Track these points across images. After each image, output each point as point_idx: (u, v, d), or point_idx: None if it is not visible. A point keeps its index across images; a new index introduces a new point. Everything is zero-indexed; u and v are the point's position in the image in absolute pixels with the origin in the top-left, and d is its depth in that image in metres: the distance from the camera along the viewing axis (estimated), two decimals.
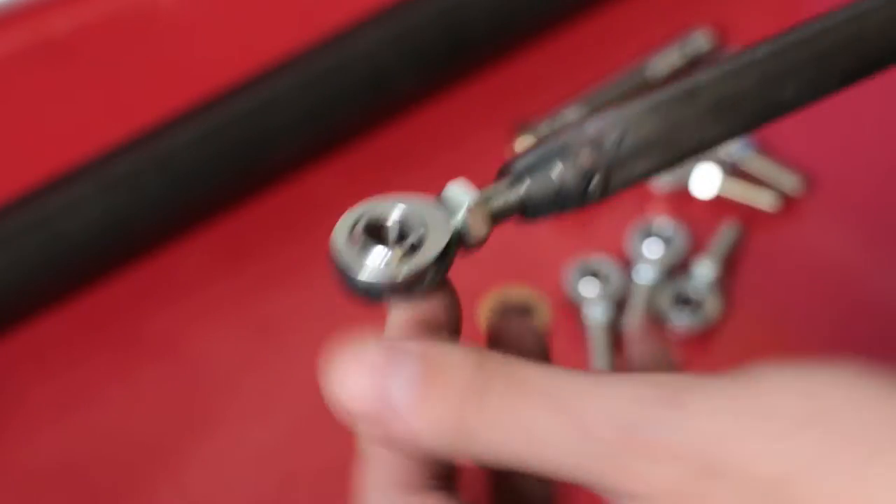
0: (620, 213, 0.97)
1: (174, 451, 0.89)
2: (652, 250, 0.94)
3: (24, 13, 1.06)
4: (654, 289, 0.93)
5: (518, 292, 0.93)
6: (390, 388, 0.44)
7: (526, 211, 0.48)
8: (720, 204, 0.97)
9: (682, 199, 0.98)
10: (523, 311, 0.92)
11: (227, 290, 0.95)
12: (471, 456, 0.44)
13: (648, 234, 0.95)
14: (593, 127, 0.48)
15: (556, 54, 1.04)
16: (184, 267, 0.96)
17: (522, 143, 0.98)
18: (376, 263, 0.45)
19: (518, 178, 0.48)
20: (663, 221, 0.95)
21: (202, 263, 0.96)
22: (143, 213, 0.94)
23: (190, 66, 1.03)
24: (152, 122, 0.96)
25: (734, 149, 0.98)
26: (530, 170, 0.47)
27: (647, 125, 0.47)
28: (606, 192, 0.48)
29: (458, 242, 0.47)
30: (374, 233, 0.47)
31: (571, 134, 0.48)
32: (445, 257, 0.46)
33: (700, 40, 1.03)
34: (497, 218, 0.48)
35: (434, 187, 1.02)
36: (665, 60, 1.02)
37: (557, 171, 0.47)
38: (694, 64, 1.02)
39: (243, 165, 0.97)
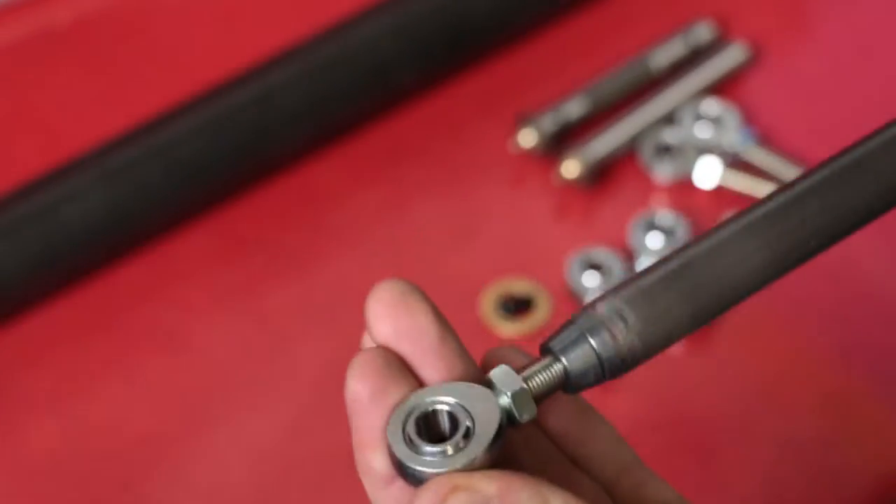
0: (622, 205, 0.97)
1: (174, 443, 0.89)
2: (654, 242, 0.94)
3: (25, 4, 1.06)
4: None
5: (520, 285, 0.93)
6: None
7: (568, 385, 0.50)
8: (722, 195, 0.97)
9: (683, 190, 0.98)
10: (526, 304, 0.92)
11: (227, 281, 0.95)
12: None
13: (650, 226, 0.95)
14: (623, 296, 0.50)
15: (558, 46, 1.04)
16: (184, 257, 0.96)
17: (524, 134, 0.98)
18: (433, 457, 0.48)
19: (557, 357, 0.50)
20: (665, 213, 0.95)
21: (203, 254, 0.96)
22: (144, 204, 0.94)
23: (191, 58, 1.03)
24: (154, 112, 0.96)
25: (736, 140, 0.98)
26: (568, 348, 0.50)
27: (675, 289, 0.50)
28: (645, 355, 0.50)
29: (510, 420, 0.49)
30: (427, 424, 0.49)
31: (601, 306, 0.50)
32: (497, 441, 0.48)
33: (702, 32, 1.03)
34: (541, 396, 0.50)
35: (435, 179, 1.02)
36: (667, 52, 1.02)
37: (595, 344, 0.49)
38: (696, 54, 1.02)
39: (244, 156, 0.97)
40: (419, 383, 0.50)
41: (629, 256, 0.94)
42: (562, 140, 0.99)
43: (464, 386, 0.50)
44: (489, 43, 1.03)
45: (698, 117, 1.00)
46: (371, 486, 0.50)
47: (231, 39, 1.04)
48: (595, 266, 0.93)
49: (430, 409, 0.49)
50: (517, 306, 0.93)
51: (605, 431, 0.55)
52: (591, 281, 0.92)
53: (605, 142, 0.98)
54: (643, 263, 0.93)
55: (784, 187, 0.52)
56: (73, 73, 1.04)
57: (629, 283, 0.50)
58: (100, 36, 1.06)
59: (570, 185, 0.97)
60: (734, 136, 0.98)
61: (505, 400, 0.49)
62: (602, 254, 0.93)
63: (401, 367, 0.50)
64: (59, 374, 0.92)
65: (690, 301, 0.50)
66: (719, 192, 0.97)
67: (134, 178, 0.93)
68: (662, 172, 0.98)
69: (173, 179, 0.94)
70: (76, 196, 0.92)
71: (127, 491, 0.87)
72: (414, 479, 0.48)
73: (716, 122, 0.99)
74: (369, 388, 0.49)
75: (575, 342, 0.50)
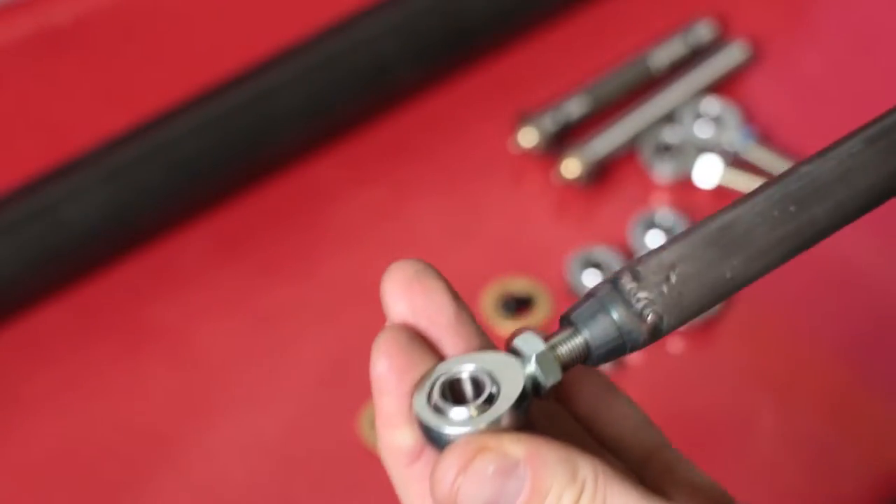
0: (622, 204, 0.97)
1: (175, 439, 0.89)
2: (654, 241, 0.94)
3: (27, 3, 1.06)
4: None
5: (520, 283, 0.93)
6: (504, 497, 0.47)
7: (590, 357, 0.50)
8: (722, 194, 0.97)
9: (684, 189, 0.98)
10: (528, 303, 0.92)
11: (228, 280, 0.95)
12: None
13: (650, 225, 0.95)
14: (644, 269, 0.49)
15: (558, 45, 1.04)
16: (185, 256, 0.96)
17: (524, 133, 0.98)
18: (458, 420, 0.48)
19: (578, 329, 0.49)
20: (665, 212, 0.95)
21: (204, 253, 0.96)
22: (145, 202, 0.94)
23: (192, 56, 1.03)
24: (154, 111, 0.96)
25: (736, 139, 0.98)
26: (588, 319, 0.49)
27: (696, 262, 0.49)
28: (664, 331, 0.50)
29: (534, 388, 0.49)
30: (452, 390, 0.49)
31: (622, 278, 0.49)
32: (522, 403, 0.48)
33: (702, 31, 1.03)
34: (565, 365, 0.49)
35: (435, 178, 1.02)
36: (667, 51, 1.02)
37: (616, 317, 0.49)
38: (696, 53, 1.02)
39: (245, 154, 0.97)
40: (442, 360, 0.50)
41: (629, 255, 0.94)
42: (562, 139, 0.99)
43: (488, 354, 0.49)
44: (489, 42, 1.03)
45: (698, 116, 1.00)
46: (395, 465, 0.50)
47: (231, 38, 1.04)
48: (595, 265, 0.93)
49: (456, 376, 0.49)
50: (517, 305, 0.93)
51: (632, 412, 0.54)
52: (591, 280, 0.92)
53: (606, 141, 0.98)
54: None
55: (805, 161, 0.52)
56: (74, 72, 1.04)
57: (650, 256, 0.50)
58: (101, 35, 1.06)
59: (571, 184, 0.97)
60: (734, 134, 0.98)
61: (529, 365, 0.49)
62: (602, 253, 0.93)
63: (424, 344, 0.50)
64: (61, 373, 0.92)
65: (710, 275, 0.49)
66: (719, 190, 0.97)
67: (134, 177, 0.93)
68: (662, 171, 0.98)
69: (174, 178, 0.94)
70: (77, 195, 0.92)
71: (128, 488, 0.87)
72: (440, 443, 0.47)
73: (716, 121, 1.00)
74: (395, 366, 0.49)
75: (596, 314, 0.49)
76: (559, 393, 0.53)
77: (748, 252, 0.50)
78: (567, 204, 0.98)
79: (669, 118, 1.00)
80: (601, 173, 0.98)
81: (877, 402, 0.88)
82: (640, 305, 0.49)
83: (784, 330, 0.92)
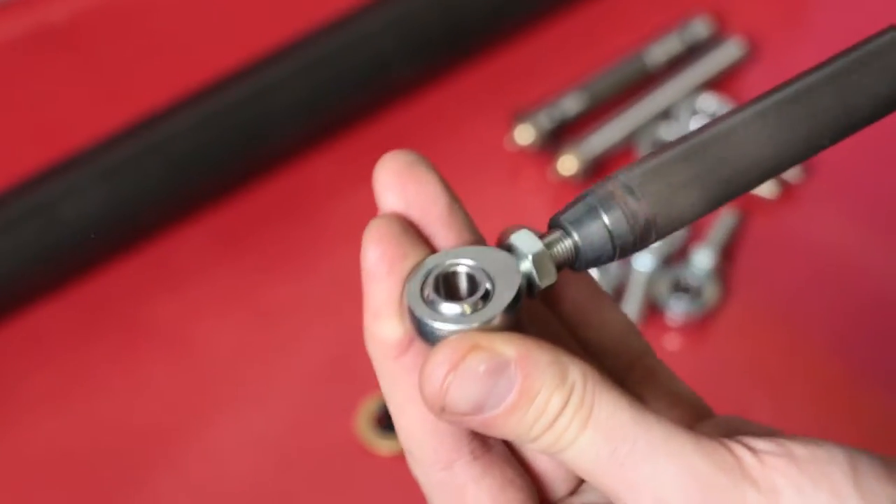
0: None
1: (174, 438, 0.89)
2: None
3: (22, 2, 1.06)
4: (653, 276, 0.93)
5: None
6: (494, 397, 0.46)
7: (578, 260, 0.49)
8: None
9: None
10: None
11: (227, 277, 0.95)
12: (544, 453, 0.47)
13: None
14: (636, 173, 0.49)
15: (554, 42, 1.05)
16: (184, 253, 0.96)
17: (521, 131, 0.98)
18: (451, 316, 0.46)
19: (568, 231, 0.48)
20: None
21: (202, 250, 0.96)
22: (142, 200, 0.94)
23: (189, 53, 1.03)
24: (152, 108, 0.96)
25: None
26: (579, 221, 0.48)
27: (689, 166, 0.49)
28: (657, 235, 0.49)
29: (528, 288, 0.48)
30: (446, 285, 0.48)
31: (614, 182, 0.49)
32: (516, 304, 0.47)
33: (699, 27, 1.03)
34: (559, 265, 0.49)
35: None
36: (664, 48, 1.02)
37: (607, 220, 0.48)
38: (692, 50, 1.02)
39: (243, 151, 0.97)
40: (434, 251, 0.49)
41: None
42: (558, 136, 0.99)
43: (483, 249, 0.48)
44: (485, 39, 1.03)
45: (695, 113, 1.00)
46: (381, 359, 0.49)
47: (227, 36, 1.04)
48: None
49: (450, 269, 0.48)
50: None
51: (619, 318, 0.54)
52: None
53: (602, 138, 0.98)
54: (640, 259, 0.93)
55: (798, 76, 0.51)
56: (70, 70, 1.04)
57: (642, 162, 0.49)
58: (97, 33, 1.06)
59: (567, 182, 0.98)
60: None
61: (525, 264, 0.48)
62: None
63: (416, 235, 0.49)
64: (60, 371, 0.92)
65: (703, 181, 0.48)
66: None
67: (132, 174, 0.93)
68: None
69: (172, 175, 0.94)
70: (75, 193, 0.93)
71: (126, 486, 0.87)
72: (432, 338, 0.46)
73: (713, 117, 1.00)
74: (387, 254, 0.48)
75: (586, 217, 0.48)
76: (546, 295, 0.52)
77: (741, 156, 0.49)
78: (564, 201, 0.97)
79: (666, 115, 1.00)
80: (598, 170, 0.98)
81: (872, 395, 0.89)
82: (630, 208, 0.48)
83: (779, 325, 0.92)
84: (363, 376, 0.90)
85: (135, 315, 0.94)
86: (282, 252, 0.96)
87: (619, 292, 0.92)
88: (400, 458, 0.86)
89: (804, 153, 0.51)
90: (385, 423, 0.87)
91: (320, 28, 1.00)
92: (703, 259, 0.93)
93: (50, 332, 0.93)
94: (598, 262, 0.49)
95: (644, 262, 0.93)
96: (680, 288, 0.92)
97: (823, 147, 0.51)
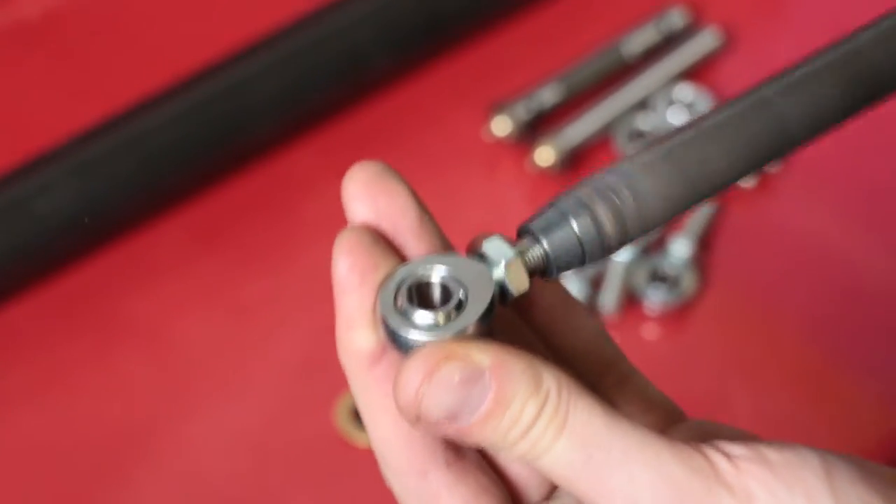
0: None
1: (152, 433, 0.89)
2: None
3: None
4: (631, 266, 0.93)
5: None
6: (468, 406, 0.46)
7: (549, 268, 0.49)
8: None
9: None
10: None
11: (203, 272, 0.95)
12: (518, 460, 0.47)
13: None
14: (606, 180, 0.49)
15: (531, 33, 1.04)
16: (160, 249, 0.96)
17: (498, 122, 0.98)
18: (424, 325, 0.47)
19: (538, 238, 0.48)
20: None
21: (178, 245, 0.96)
22: (118, 195, 0.94)
23: (163, 48, 1.03)
24: (126, 103, 0.96)
25: None
26: (548, 228, 0.48)
27: (658, 172, 0.48)
28: (626, 240, 0.49)
29: (501, 295, 0.48)
30: (419, 294, 0.48)
31: (584, 189, 0.49)
32: (489, 313, 0.47)
33: (675, 18, 1.03)
34: (531, 273, 0.49)
35: (410, 167, 1.02)
36: (640, 38, 1.02)
37: (576, 227, 0.48)
38: (669, 40, 1.02)
39: (218, 146, 0.96)
40: (405, 262, 0.49)
41: None
42: (535, 127, 0.99)
43: (455, 258, 0.48)
44: (462, 31, 1.03)
45: (671, 103, 1.00)
46: (354, 369, 0.49)
47: (202, 30, 1.04)
48: None
49: (423, 279, 0.48)
50: None
51: (590, 325, 0.54)
52: None
53: (579, 128, 0.98)
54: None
55: (753, 88, 0.51)
56: (44, 66, 1.04)
57: (611, 170, 0.49)
58: (70, 29, 1.05)
59: (545, 173, 0.97)
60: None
61: (498, 272, 0.48)
62: None
63: (387, 246, 0.49)
64: (37, 367, 0.91)
65: (671, 187, 0.49)
66: None
67: (107, 169, 0.93)
68: None
69: (147, 170, 0.94)
70: (50, 189, 0.92)
71: (105, 482, 0.87)
72: (406, 348, 0.46)
73: (689, 107, 1.00)
74: (358, 265, 0.48)
75: (555, 224, 0.48)
76: (518, 303, 0.52)
77: (711, 160, 0.49)
78: (541, 192, 0.98)
79: (643, 105, 1.00)
80: (575, 161, 0.98)
81: (849, 381, 0.89)
82: (600, 216, 0.48)
83: (757, 314, 0.92)
84: (341, 370, 0.90)
85: (111, 311, 0.93)
86: (259, 246, 0.96)
87: (596, 282, 0.93)
88: None
89: (775, 156, 0.51)
90: None
91: (297, 21, 0.99)
92: (680, 249, 0.93)
93: (26, 329, 0.93)
94: (569, 267, 0.49)
95: (622, 252, 0.93)
96: (658, 277, 0.92)
97: (797, 134, 0.51)
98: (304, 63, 0.98)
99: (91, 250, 0.95)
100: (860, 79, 0.52)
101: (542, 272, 0.49)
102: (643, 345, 0.90)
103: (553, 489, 0.52)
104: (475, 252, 0.49)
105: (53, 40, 1.05)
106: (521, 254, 0.48)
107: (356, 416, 0.88)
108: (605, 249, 0.49)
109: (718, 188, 0.50)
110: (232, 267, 0.95)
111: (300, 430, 0.88)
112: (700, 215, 0.95)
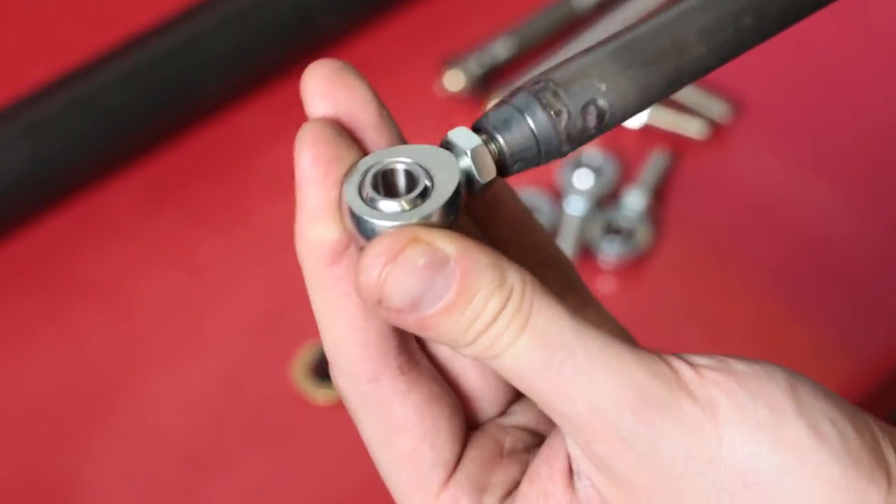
0: None
1: (108, 393, 0.89)
2: (582, 181, 0.94)
3: None
4: (585, 219, 0.93)
5: None
6: (431, 294, 0.45)
7: (505, 165, 0.47)
8: (649, 133, 0.97)
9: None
10: None
11: (157, 230, 0.95)
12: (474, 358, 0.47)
13: (578, 165, 0.95)
14: (559, 74, 0.47)
15: None
16: (114, 208, 0.95)
17: (450, 77, 0.98)
18: (390, 213, 0.46)
19: (493, 135, 0.47)
20: (592, 152, 0.95)
21: (132, 204, 0.95)
22: (69, 155, 0.93)
23: (113, 5, 1.02)
24: (76, 62, 0.95)
25: None
26: (503, 124, 0.47)
27: (612, 66, 0.48)
28: (583, 136, 0.48)
29: (467, 185, 0.47)
30: (384, 183, 0.47)
31: (540, 86, 0.47)
32: (455, 200, 0.46)
33: None
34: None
35: None
36: None
37: (532, 125, 0.47)
38: None
39: (170, 105, 0.96)
40: (368, 154, 0.48)
41: (557, 196, 0.94)
42: (488, 81, 0.99)
43: (421, 147, 0.47)
44: None
45: None
46: (313, 265, 0.48)
47: None
48: None
49: (388, 167, 0.47)
50: None
51: (549, 240, 0.53)
52: None
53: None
54: (572, 203, 0.93)
55: None
56: None
57: (567, 63, 0.48)
58: None
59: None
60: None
61: (464, 160, 0.47)
62: (530, 194, 0.93)
63: (349, 138, 0.47)
64: None
65: (632, 79, 0.47)
66: (647, 129, 0.97)
67: (58, 129, 0.93)
68: None
69: (98, 129, 0.93)
70: (0, 150, 0.92)
71: (61, 444, 0.87)
72: (371, 235, 0.46)
73: None
74: (322, 156, 0.46)
75: (510, 119, 0.47)
76: (479, 215, 0.51)
77: (674, 49, 0.48)
78: None
79: None
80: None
81: (805, 332, 0.89)
82: (556, 111, 0.47)
83: (712, 265, 0.92)
84: (298, 326, 0.90)
85: (66, 270, 0.93)
86: (212, 205, 0.96)
87: (551, 236, 0.93)
88: (337, 407, 0.86)
89: (732, 52, 0.50)
90: (321, 372, 0.87)
91: None
92: (634, 201, 0.93)
93: None
94: (524, 166, 0.48)
95: (576, 205, 0.93)
96: (612, 230, 0.93)
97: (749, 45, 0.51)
98: (253, 20, 0.97)
99: (43, 211, 0.94)
100: None
101: (500, 169, 0.48)
102: (599, 298, 0.90)
103: (508, 405, 0.51)
104: (441, 143, 0.48)
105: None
106: (486, 144, 0.47)
107: (314, 373, 0.88)
108: (561, 148, 0.47)
109: (678, 83, 0.49)
110: (186, 225, 0.95)
111: (258, 388, 0.88)
112: (653, 167, 0.95)
